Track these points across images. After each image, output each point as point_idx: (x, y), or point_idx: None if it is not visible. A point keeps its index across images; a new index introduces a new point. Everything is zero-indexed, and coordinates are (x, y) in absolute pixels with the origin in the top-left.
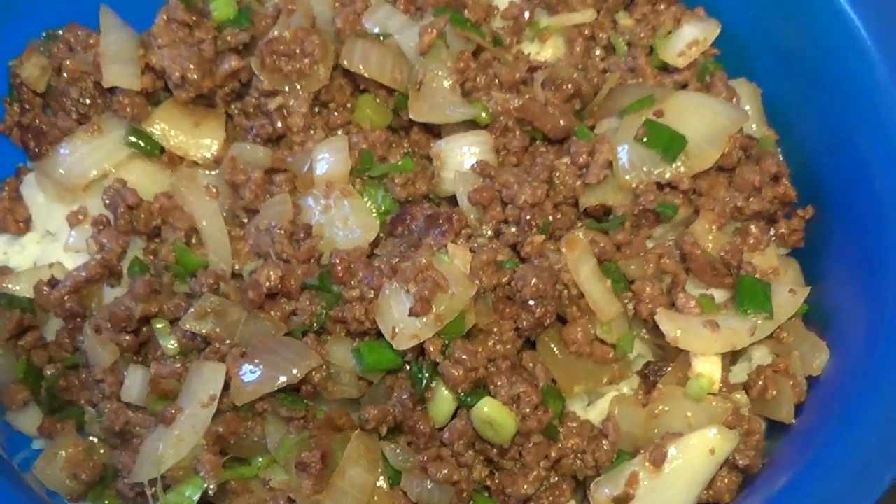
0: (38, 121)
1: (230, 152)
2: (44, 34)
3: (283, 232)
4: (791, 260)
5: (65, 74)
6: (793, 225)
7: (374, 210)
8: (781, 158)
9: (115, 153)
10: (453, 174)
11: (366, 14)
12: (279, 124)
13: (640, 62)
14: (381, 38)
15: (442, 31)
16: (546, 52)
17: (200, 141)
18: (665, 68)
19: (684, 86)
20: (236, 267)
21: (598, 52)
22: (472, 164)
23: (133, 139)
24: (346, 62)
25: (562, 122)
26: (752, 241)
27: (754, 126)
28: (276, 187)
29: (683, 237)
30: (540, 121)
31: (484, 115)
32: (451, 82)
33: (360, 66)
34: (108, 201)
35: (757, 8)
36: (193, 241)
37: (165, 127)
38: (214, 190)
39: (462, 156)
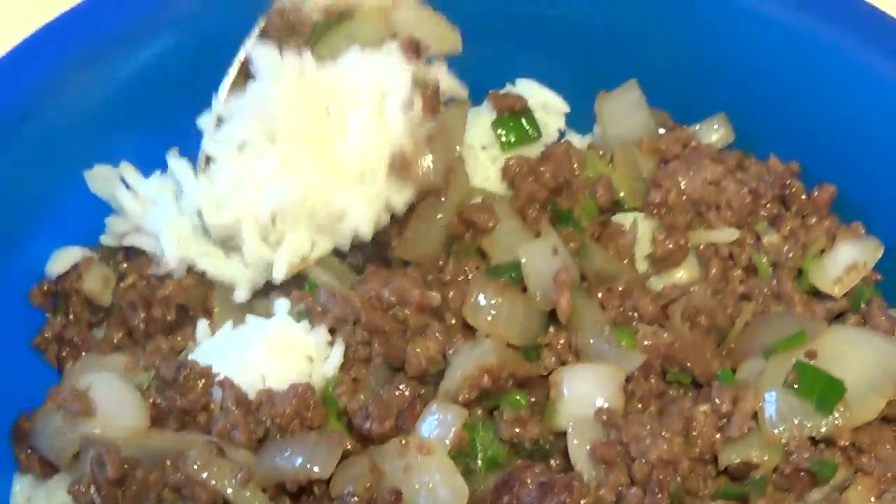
0: (78, 338)
1: None
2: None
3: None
4: None
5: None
6: None
7: (475, 457)
8: None
9: None
10: (570, 418)
11: None
12: None
13: (786, 287)
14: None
15: (575, 285)
16: (678, 273)
17: None
18: (816, 293)
19: (839, 314)
20: None
21: (736, 273)
22: (597, 411)
23: None
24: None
25: (714, 364)
26: None
27: None
28: None
29: None
30: (693, 361)
31: (627, 344)
32: (605, 335)
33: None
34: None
35: None
36: None
37: None
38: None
39: (586, 390)
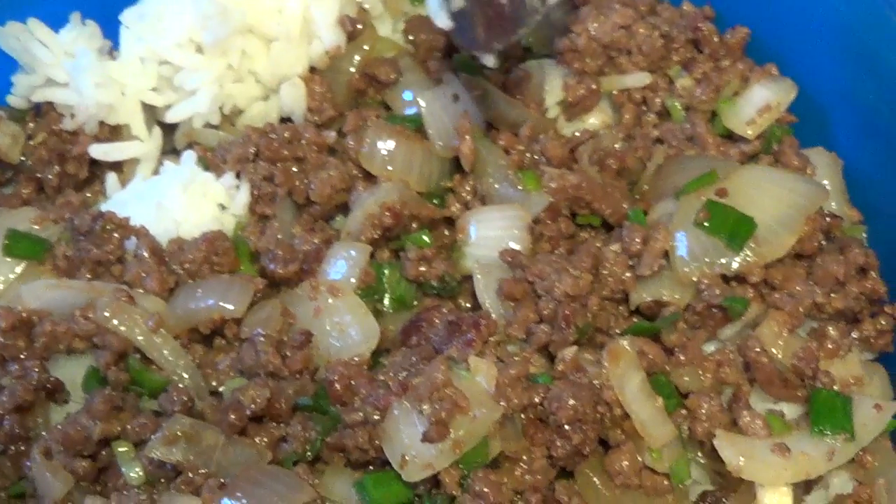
0: None
1: None
2: None
3: (265, 340)
4: (877, 367)
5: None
6: (880, 325)
7: (383, 297)
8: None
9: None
10: (477, 259)
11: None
12: None
13: (699, 130)
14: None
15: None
16: (590, 119)
17: None
18: (730, 136)
19: (752, 156)
20: (213, 383)
21: (649, 118)
22: (501, 252)
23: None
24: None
25: (625, 206)
26: (829, 346)
27: (834, 205)
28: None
29: (748, 342)
30: (602, 202)
31: (532, 187)
32: (510, 179)
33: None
34: None
35: (837, 63)
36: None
37: None
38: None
39: (491, 230)
